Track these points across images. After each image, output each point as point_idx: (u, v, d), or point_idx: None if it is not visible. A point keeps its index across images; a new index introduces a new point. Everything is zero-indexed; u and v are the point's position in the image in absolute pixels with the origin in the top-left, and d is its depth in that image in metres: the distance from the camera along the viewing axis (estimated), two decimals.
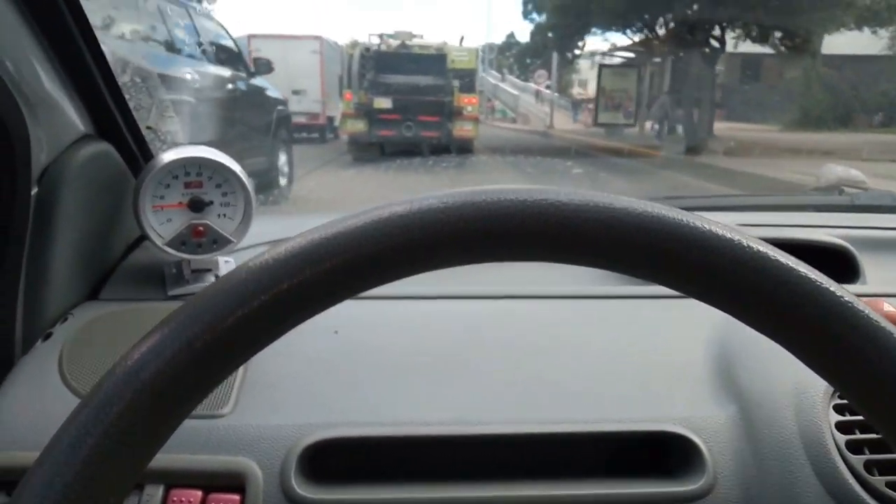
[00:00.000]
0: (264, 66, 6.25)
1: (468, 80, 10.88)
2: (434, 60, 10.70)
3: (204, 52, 5.10)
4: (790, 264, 0.28)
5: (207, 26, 5.41)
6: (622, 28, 15.06)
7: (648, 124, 15.42)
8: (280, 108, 6.41)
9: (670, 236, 0.27)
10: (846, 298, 0.28)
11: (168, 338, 0.27)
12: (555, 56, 19.60)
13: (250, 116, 5.61)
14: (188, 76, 4.43)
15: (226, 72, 5.34)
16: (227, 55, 5.58)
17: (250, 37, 11.43)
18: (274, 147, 5.99)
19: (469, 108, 10.63)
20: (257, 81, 5.98)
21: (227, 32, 5.81)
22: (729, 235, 0.28)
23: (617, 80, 15.12)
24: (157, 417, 0.27)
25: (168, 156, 0.75)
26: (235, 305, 0.27)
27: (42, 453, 0.26)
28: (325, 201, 5.87)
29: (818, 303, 0.27)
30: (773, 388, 0.62)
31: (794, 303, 0.27)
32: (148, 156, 0.84)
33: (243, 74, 5.73)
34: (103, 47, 0.70)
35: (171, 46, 4.59)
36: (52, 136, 0.67)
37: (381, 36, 10.94)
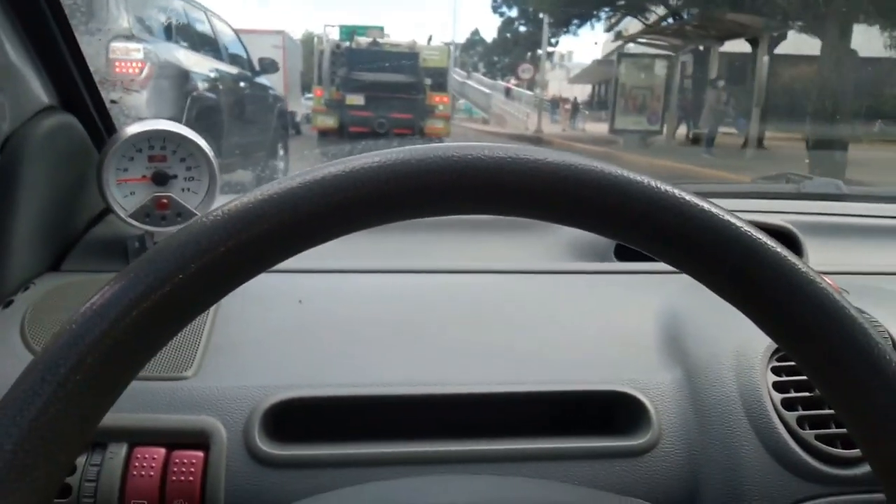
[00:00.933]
0: (270, 66, 6.46)
1: (440, 78, 10.97)
2: (406, 58, 10.78)
3: (220, 52, 5.53)
4: (704, 206, 0.30)
5: (222, 28, 5.79)
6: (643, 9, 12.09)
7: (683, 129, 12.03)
8: (280, 104, 6.95)
9: (577, 183, 0.30)
10: (744, 228, 0.30)
11: (113, 298, 0.27)
12: (544, 48, 18.92)
13: (257, 112, 6.06)
14: (211, 74, 4.87)
15: (235, 70, 5.77)
16: (236, 55, 5.96)
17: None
18: (275, 140, 6.48)
19: (441, 107, 10.83)
20: (261, 80, 6.34)
21: (236, 34, 6.14)
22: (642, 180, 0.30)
23: (641, 74, 11.81)
24: (105, 377, 0.27)
25: (132, 129, 0.76)
26: (175, 268, 0.27)
27: None
28: None
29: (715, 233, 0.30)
30: (717, 353, 0.66)
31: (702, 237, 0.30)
32: (111, 129, 0.84)
33: (249, 73, 6.10)
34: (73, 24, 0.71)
35: (196, 46, 5.06)
36: (15, 105, 0.68)
37: (341, 28, 10.97)
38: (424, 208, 0.30)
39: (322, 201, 0.28)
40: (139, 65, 3.69)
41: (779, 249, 0.30)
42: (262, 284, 0.76)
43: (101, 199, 0.77)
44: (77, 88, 0.77)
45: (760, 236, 0.30)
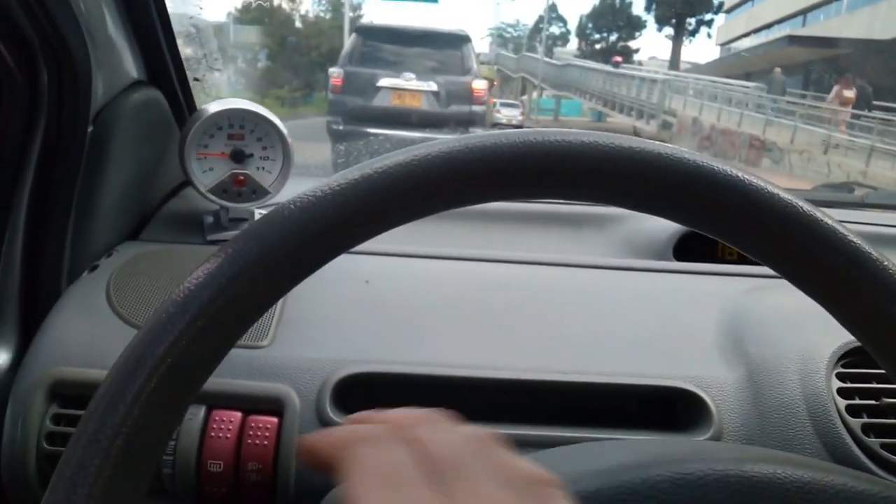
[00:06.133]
0: None
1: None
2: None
3: None
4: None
5: None
6: None
7: None
8: None
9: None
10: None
11: (219, 269, 0.29)
12: None
13: None
14: None
15: None
16: None
17: None
18: None
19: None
20: None
21: None
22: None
23: None
24: (209, 343, 0.29)
25: (214, 106, 0.79)
26: (288, 234, 0.29)
27: (104, 379, 0.28)
28: None
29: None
30: (781, 355, 0.66)
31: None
32: (192, 106, 0.88)
33: None
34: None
35: None
36: (110, 78, 0.71)
37: None
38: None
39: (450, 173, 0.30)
40: None
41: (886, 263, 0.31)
42: (330, 264, 0.79)
43: (178, 174, 0.80)
44: (165, 64, 0.80)
45: (869, 249, 0.30)
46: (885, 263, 0.30)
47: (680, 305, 0.77)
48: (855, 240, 0.30)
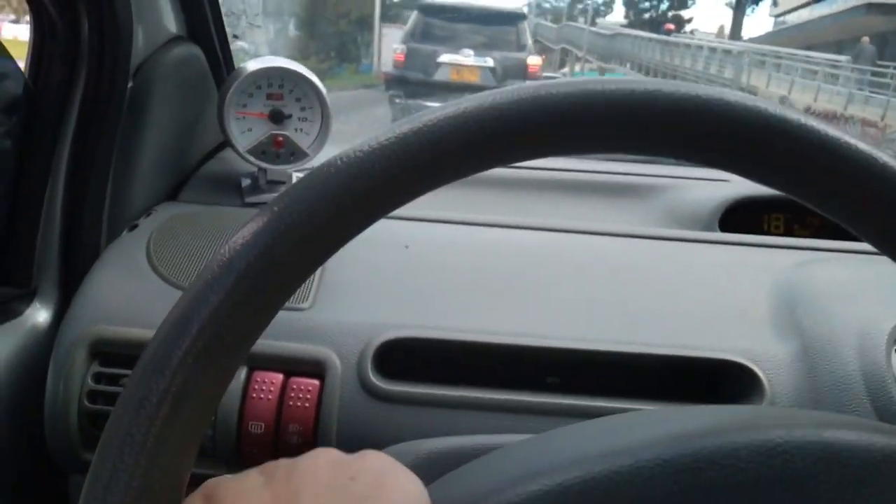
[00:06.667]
0: None
1: None
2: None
3: None
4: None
5: None
6: None
7: None
8: None
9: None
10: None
11: (264, 228, 0.27)
12: None
13: None
14: None
15: None
16: None
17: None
18: None
19: None
20: None
21: None
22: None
23: None
24: (255, 305, 0.27)
25: (253, 64, 0.77)
26: (336, 191, 0.27)
27: (150, 342, 0.27)
28: None
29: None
30: (837, 330, 0.64)
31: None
32: (231, 64, 0.86)
33: None
34: None
35: None
36: (150, 32, 0.70)
37: None
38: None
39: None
40: None
41: None
42: (369, 229, 0.77)
43: (216, 135, 0.79)
44: (205, 20, 0.78)
45: None
46: None
47: (727, 278, 0.75)
48: None
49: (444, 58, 7.50)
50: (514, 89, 0.29)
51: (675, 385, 0.64)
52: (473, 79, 7.32)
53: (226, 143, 0.78)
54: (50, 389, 0.60)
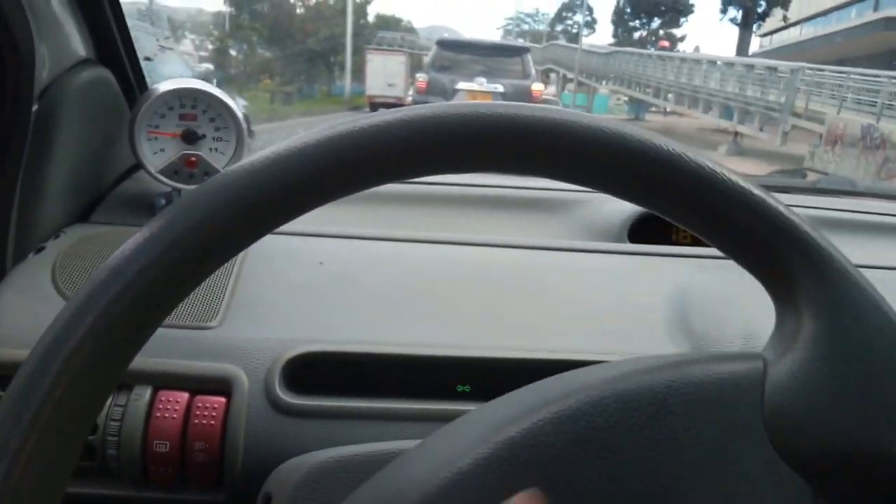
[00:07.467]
0: None
1: None
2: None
3: None
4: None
5: None
6: None
7: None
8: None
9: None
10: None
11: (148, 243, 0.28)
12: None
13: None
14: None
15: None
16: None
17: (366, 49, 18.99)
18: None
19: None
20: None
21: None
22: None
23: None
24: (135, 319, 0.28)
25: (165, 85, 0.78)
26: (208, 214, 0.28)
27: (31, 352, 0.28)
28: None
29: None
30: (725, 333, 0.68)
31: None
32: (143, 87, 0.86)
33: None
34: None
35: None
36: (55, 55, 0.69)
37: None
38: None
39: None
40: None
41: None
42: (284, 246, 0.78)
43: (130, 156, 0.79)
44: (114, 43, 0.78)
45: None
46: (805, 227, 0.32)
47: (631, 285, 0.79)
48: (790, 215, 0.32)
49: (461, 85, 9.17)
50: (380, 114, 0.31)
51: None
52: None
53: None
54: None
